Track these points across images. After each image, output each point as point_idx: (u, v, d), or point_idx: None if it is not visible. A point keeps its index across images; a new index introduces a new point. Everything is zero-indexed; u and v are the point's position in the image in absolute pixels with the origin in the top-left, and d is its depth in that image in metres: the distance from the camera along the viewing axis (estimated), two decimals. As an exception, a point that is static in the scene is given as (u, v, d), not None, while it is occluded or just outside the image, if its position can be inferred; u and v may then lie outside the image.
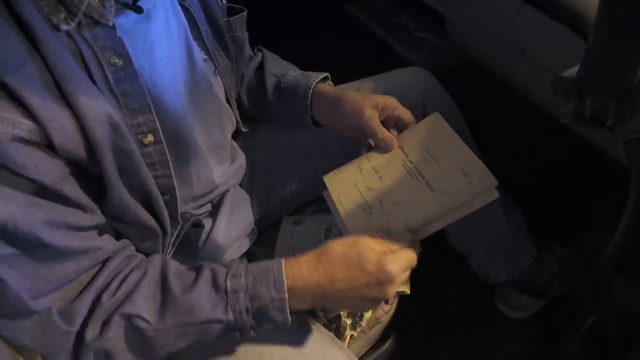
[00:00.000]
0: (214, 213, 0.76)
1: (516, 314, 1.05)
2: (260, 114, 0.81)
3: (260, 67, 0.83)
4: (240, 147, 0.84)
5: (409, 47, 1.20)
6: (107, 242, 0.54)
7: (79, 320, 0.50)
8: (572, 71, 0.51)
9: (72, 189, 0.49)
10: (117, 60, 0.52)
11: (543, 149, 1.11)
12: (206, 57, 0.66)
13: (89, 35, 0.50)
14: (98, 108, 0.49)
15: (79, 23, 0.49)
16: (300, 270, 0.55)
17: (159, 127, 0.56)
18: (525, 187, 1.01)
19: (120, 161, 0.52)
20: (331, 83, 0.82)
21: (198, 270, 0.56)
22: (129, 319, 0.52)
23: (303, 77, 0.80)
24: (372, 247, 0.56)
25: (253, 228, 0.82)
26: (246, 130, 0.83)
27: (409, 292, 0.69)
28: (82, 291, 0.52)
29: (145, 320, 0.52)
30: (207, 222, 0.74)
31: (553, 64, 0.78)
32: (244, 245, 0.80)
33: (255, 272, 0.55)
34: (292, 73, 0.82)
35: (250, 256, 0.84)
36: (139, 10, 0.54)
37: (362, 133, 0.72)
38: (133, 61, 0.53)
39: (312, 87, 0.77)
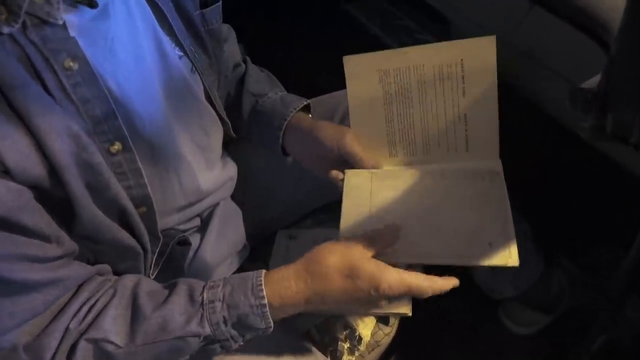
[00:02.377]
0: (202, 229, 0.72)
1: (522, 330, 1.01)
2: (234, 131, 0.77)
3: (240, 83, 0.78)
4: (232, 157, 0.80)
5: (410, 49, 1.16)
6: (77, 270, 0.50)
7: (48, 355, 0.46)
8: (592, 82, 0.46)
9: (33, 218, 0.45)
10: (71, 64, 0.47)
11: (552, 156, 1.07)
12: (181, 53, 0.61)
13: (36, 37, 0.45)
14: (54, 119, 0.45)
15: (24, 24, 0.44)
16: (287, 285, 0.52)
17: (126, 133, 0.52)
18: (533, 197, 0.97)
19: (87, 176, 0.48)
20: (310, 115, 0.77)
21: (173, 286, 0.53)
22: (96, 343, 0.48)
23: (282, 103, 0.75)
24: (366, 259, 0.53)
25: (245, 244, 0.78)
26: (236, 137, 0.78)
27: (410, 314, 0.65)
28: (51, 322, 0.47)
29: (113, 343, 0.48)
30: (195, 239, 0.70)
31: (564, 69, 0.73)
32: (235, 263, 0.75)
33: (234, 282, 0.53)
34: (272, 95, 0.77)
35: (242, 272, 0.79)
36: (92, 4, 0.48)
37: (336, 161, 0.66)
38: (91, 63, 0.49)
39: (287, 119, 0.72)
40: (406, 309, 0.66)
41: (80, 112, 0.49)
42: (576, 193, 1.07)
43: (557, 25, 0.71)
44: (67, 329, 0.48)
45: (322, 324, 0.72)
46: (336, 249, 0.53)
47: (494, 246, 0.55)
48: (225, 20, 0.75)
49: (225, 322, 0.51)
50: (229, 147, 0.80)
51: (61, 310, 0.48)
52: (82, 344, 0.48)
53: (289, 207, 0.84)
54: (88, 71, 0.49)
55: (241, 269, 0.79)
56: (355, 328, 0.71)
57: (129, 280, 0.53)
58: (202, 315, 0.50)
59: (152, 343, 0.49)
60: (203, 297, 0.51)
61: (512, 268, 0.54)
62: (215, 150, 0.72)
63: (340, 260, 0.52)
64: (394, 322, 0.74)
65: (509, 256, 0.54)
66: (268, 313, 0.51)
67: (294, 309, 0.53)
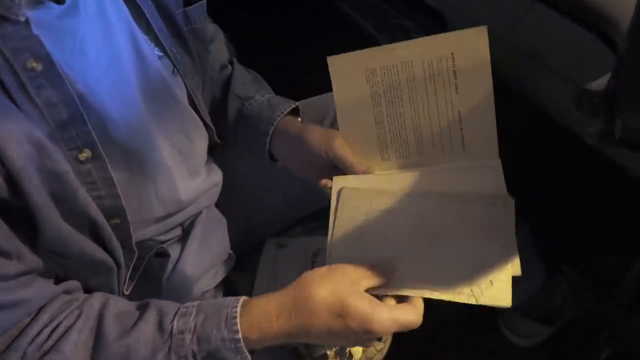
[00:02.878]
0: (183, 238, 0.68)
1: (523, 342, 0.97)
2: (219, 136, 0.73)
3: (226, 85, 0.75)
4: (217, 161, 0.76)
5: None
6: (41, 290, 0.46)
7: None
8: (599, 83, 0.42)
9: None
10: (35, 64, 0.43)
11: (553, 159, 1.03)
12: (161, 54, 0.58)
13: None
14: (13, 125, 0.41)
15: None
16: (268, 318, 0.47)
17: (96, 139, 0.48)
18: (534, 201, 0.93)
19: (52, 186, 0.44)
20: (300, 119, 0.73)
21: (143, 309, 0.48)
22: None
23: (269, 107, 0.71)
24: (358, 295, 0.48)
25: (230, 253, 0.74)
26: (222, 143, 0.74)
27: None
28: (8, 346, 0.44)
29: None
30: (174, 250, 0.66)
31: (567, 69, 0.69)
32: (220, 274, 0.71)
33: (208, 310, 0.48)
34: (259, 97, 0.73)
35: (228, 284, 0.76)
36: (59, 0, 0.45)
37: (326, 167, 0.63)
38: (57, 63, 0.45)
39: (274, 123, 0.68)
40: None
41: (44, 116, 0.45)
42: (578, 197, 1.03)
43: (559, 23, 0.67)
44: (24, 353, 0.44)
45: (310, 339, 0.68)
46: (326, 282, 0.48)
47: (494, 284, 0.50)
48: (210, 17, 0.72)
49: (194, 355, 0.46)
50: (215, 151, 0.77)
51: (20, 333, 0.44)
52: None
53: (277, 214, 0.80)
54: (54, 72, 0.45)
55: (227, 280, 0.75)
56: (345, 344, 0.67)
57: (96, 300, 0.49)
58: (169, 348, 0.46)
59: None
60: (173, 326, 0.47)
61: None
62: (199, 156, 0.68)
63: (330, 296, 0.47)
64: (387, 338, 0.70)
65: (506, 297, 0.50)
66: (243, 347, 0.46)
67: (274, 342, 0.48)
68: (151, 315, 0.47)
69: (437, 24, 1.06)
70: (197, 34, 0.64)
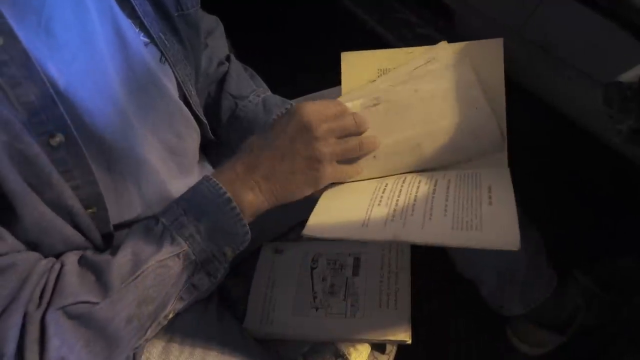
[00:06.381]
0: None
1: (532, 351, 0.93)
2: (215, 136, 0.69)
3: (221, 83, 0.71)
4: (211, 162, 0.72)
5: (411, 45, 1.09)
6: (26, 255, 0.44)
7: (11, 347, 0.41)
8: (632, 74, 0.38)
9: None
10: None
11: (566, 160, 0.99)
12: (147, 40, 0.54)
13: None
14: None
15: None
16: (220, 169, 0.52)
17: (69, 123, 0.45)
18: (545, 205, 0.89)
19: (23, 169, 0.42)
20: None
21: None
22: (66, 311, 0.42)
23: (264, 109, 0.68)
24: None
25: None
26: (215, 140, 0.70)
27: (410, 342, 0.61)
28: (4, 313, 0.41)
29: (88, 302, 0.43)
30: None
31: (586, 65, 0.65)
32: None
33: (185, 195, 0.51)
34: (254, 98, 0.70)
35: (223, 292, 0.72)
36: None
37: None
38: (21, 39, 0.41)
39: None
40: (404, 336, 0.62)
41: (9, 97, 0.41)
42: (592, 198, 1.00)
43: (576, 13, 0.63)
44: (26, 314, 0.41)
45: (309, 352, 0.65)
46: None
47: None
48: (203, 7, 0.68)
49: (198, 231, 0.48)
50: (209, 149, 0.73)
51: (13, 299, 0.42)
52: (51, 317, 0.42)
53: (274, 218, 0.75)
54: (18, 48, 0.41)
55: (221, 287, 0.71)
56: (347, 357, 0.63)
57: (74, 253, 0.47)
58: (171, 236, 0.47)
59: (132, 280, 0.45)
60: (163, 222, 0.48)
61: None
62: (190, 154, 0.64)
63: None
64: (391, 350, 0.67)
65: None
66: (233, 201, 0.49)
67: (245, 188, 0.50)
68: (135, 229, 0.48)
69: (443, 18, 1.02)
70: (189, 21, 0.60)
